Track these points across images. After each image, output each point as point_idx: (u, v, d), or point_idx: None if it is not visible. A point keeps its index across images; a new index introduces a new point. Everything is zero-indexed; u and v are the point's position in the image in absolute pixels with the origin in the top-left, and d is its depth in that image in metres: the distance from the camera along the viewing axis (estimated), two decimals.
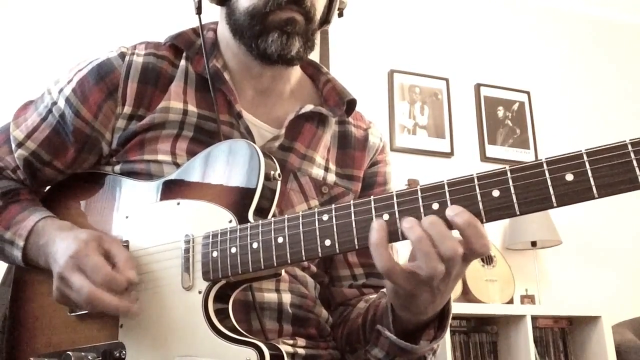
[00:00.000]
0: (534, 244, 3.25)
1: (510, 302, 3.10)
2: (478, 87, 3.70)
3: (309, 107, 1.02)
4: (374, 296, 1.02)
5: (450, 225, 0.67)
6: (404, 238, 0.69)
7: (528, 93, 3.79)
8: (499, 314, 2.94)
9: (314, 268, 1.01)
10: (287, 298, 0.94)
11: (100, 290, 0.79)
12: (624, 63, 4.06)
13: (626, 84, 3.99)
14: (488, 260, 3.15)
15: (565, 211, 3.32)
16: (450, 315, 0.84)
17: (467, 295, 3.03)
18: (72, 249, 0.83)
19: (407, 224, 0.68)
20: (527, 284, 3.29)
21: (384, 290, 0.94)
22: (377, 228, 0.69)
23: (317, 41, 1.01)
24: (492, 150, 3.60)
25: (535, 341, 2.88)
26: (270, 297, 0.92)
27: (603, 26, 4.13)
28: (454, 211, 0.67)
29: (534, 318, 2.94)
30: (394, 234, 0.70)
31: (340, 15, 1.08)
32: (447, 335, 2.77)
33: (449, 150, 3.50)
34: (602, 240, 3.55)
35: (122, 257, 0.84)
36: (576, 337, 3.09)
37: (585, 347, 3.00)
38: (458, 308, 2.73)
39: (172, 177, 0.92)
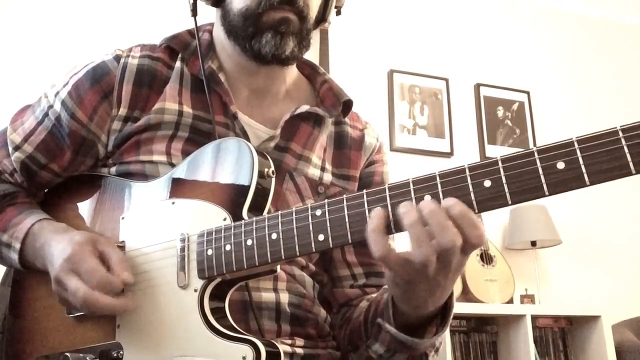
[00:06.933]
0: (533, 243, 3.24)
1: (510, 301, 3.09)
2: (478, 87, 3.70)
3: (304, 108, 1.02)
4: (375, 294, 1.02)
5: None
6: (397, 230, 0.70)
7: (528, 93, 3.79)
8: (498, 314, 2.94)
9: (312, 267, 1.01)
10: (285, 298, 0.94)
11: (96, 292, 0.80)
12: (623, 63, 4.05)
13: (626, 84, 3.98)
14: (488, 260, 3.14)
15: (565, 211, 3.33)
16: (453, 311, 0.83)
17: (467, 295, 3.02)
18: (67, 252, 0.83)
19: (404, 208, 0.68)
20: (526, 283, 3.28)
21: (386, 287, 0.94)
22: (375, 215, 0.70)
23: (314, 40, 1.02)
24: (492, 150, 3.59)
25: (535, 341, 2.87)
26: (268, 296, 0.92)
27: (603, 26, 4.12)
28: (448, 203, 0.67)
29: (534, 318, 2.93)
30: (387, 227, 0.70)
31: (338, 13, 1.08)
32: (447, 335, 2.76)
33: (448, 150, 3.50)
34: (602, 240, 3.54)
35: (116, 258, 0.84)
36: (576, 337, 3.08)
37: (585, 347, 2.99)
38: (458, 308, 2.68)
39: (167, 177, 0.93)
